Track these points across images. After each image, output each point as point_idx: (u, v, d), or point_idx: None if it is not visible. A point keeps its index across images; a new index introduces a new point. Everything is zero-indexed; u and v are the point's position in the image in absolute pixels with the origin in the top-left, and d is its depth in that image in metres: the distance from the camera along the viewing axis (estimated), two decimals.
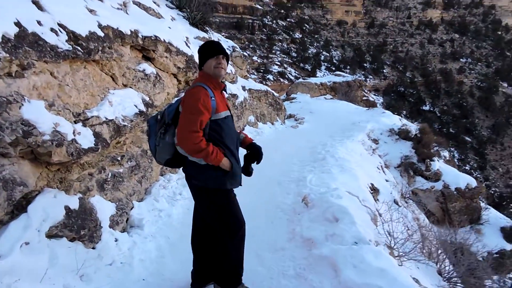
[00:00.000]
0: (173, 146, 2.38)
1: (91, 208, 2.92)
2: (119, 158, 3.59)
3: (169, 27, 7.77)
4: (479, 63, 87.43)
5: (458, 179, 9.26)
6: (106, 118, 3.56)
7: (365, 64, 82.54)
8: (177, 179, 4.99)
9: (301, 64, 71.73)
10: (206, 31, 9.89)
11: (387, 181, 7.45)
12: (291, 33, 79.94)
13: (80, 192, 2.91)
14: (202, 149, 2.24)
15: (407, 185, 9.01)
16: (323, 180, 5.14)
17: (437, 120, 72.29)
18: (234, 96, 9.11)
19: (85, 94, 3.57)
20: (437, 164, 9.36)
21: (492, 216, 9.42)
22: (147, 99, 5.36)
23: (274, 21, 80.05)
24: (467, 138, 69.62)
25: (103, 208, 3.06)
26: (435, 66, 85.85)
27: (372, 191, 5.91)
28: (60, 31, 3.29)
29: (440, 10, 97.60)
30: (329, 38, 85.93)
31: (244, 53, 12.65)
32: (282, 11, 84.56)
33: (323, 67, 73.91)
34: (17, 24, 2.65)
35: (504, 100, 78.24)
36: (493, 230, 8.94)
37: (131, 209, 3.67)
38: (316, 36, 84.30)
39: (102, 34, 4.27)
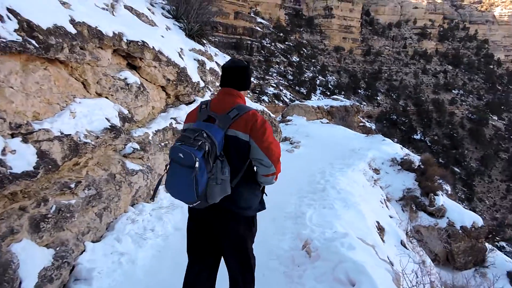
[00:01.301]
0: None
1: (8, 261, 2.06)
2: (72, 185, 2.81)
3: (162, 36, 7.13)
4: (471, 95, 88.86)
5: (463, 216, 8.57)
6: (62, 133, 2.80)
7: (359, 91, 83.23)
8: (151, 209, 4.18)
9: (297, 87, 71.96)
10: (203, 44, 9.29)
11: (391, 217, 6.72)
12: (289, 56, 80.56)
13: None
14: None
15: (409, 221, 8.28)
16: (326, 218, 4.39)
17: (427, 150, 72.30)
18: None
19: (37, 101, 2.82)
20: (441, 199, 8.69)
21: (498, 258, 8.70)
22: (126, 112, 4.61)
23: (273, 44, 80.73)
24: (456, 169, 69.67)
25: (31, 258, 2.20)
26: (428, 96, 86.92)
27: (378, 231, 5.17)
28: (9, 18, 2.57)
29: (435, 41, 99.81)
30: (326, 63, 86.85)
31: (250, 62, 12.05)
32: (281, 34, 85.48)
33: (318, 91, 74.23)
34: None
35: (493, 133, 79.15)
36: (499, 275, 8.19)
37: (81, 253, 2.84)
38: (313, 60, 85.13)
39: (73, 31, 3.55)
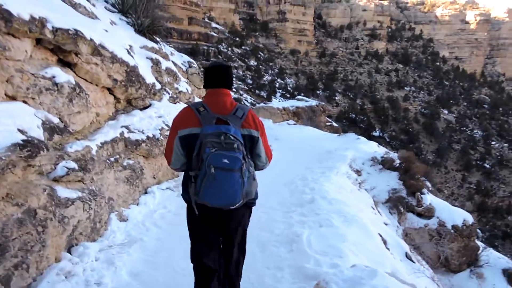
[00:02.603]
0: None
1: None
2: None
3: (106, 30, 5.94)
4: (422, 91, 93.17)
5: (453, 215, 8.06)
6: None
7: (318, 92, 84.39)
8: (98, 251, 3.05)
9: (257, 91, 71.63)
10: (156, 42, 8.14)
11: (386, 224, 5.97)
12: (246, 60, 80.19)
13: None
14: None
15: (398, 224, 7.63)
16: (329, 241, 3.47)
17: (387, 145, 74.64)
18: None
19: None
20: (429, 198, 8.14)
21: (492, 256, 8.29)
22: (56, 120, 3.45)
23: (230, 49, 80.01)
24: None
25: None
26: (383, 94, 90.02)
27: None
28: None
29: (385, 42, 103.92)
30: (283, 66, 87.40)
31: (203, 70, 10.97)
32: (237, 39, 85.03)
33: (278, 94, 74.39)
34: None
35: (445, 126, 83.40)
36: (495, 273, 7.76)
37: None
38: (270, 64, 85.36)
39: None
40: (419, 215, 7.82)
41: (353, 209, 4.72)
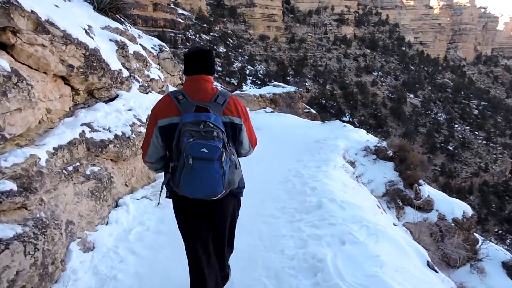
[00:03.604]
0: None
1: None
2: None
3: (56, 5, 4.79)
4: (389, 76, 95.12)
5: (453, 207, 7.60)
6: None
7: (288, 78, 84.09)
8: None
9: (227, 78, 70.21)
10: (120, 22, 6.99)
11: (395, 225, 5.32)
12: (215, 47, 78.25)
13: None
14: None
15: (397, 219, 7.07)
16: (363, 268, 2.70)
17: None
18: None
19: None
20: (427, 189, 7.63)
21: (491, 249, 7.94)
22: None
23: (197, 35, 77.68)
24: None
25: None
26: (352, 79, 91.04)
27: None
28: None
29: (352, 27, 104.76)
30: (253, 52, 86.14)
31: (176, 55, 9.88)
32: (205, 25, 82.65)
33: (248, 81, 73.37)
34: None
35: (411, 110, 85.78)
36: (495, 267, 7.41)
37: None
38: (240, 50, 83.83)
39: None
40: (418, 208, 7.30)
41: (369, 214, 4.00)
